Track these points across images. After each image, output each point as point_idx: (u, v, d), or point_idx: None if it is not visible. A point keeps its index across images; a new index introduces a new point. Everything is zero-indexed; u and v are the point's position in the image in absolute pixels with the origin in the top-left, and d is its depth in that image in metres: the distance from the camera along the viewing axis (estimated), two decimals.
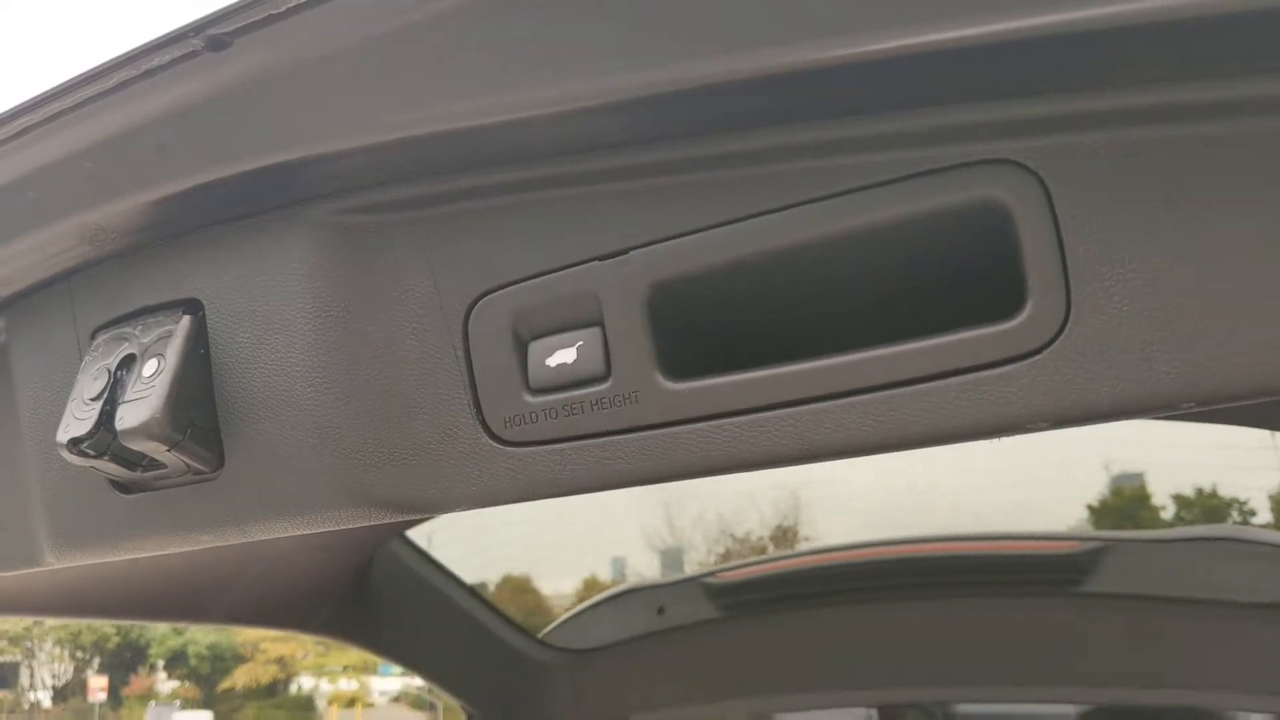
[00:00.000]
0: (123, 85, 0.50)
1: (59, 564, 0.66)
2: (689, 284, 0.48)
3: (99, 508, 0.62)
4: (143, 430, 0.54)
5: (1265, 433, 1.18)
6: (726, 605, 1.66)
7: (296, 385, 0.55)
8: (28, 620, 36.42)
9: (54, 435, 0.59)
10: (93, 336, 0.62)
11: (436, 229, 0.53)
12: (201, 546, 0.61)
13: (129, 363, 0.58)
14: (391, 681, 38.73)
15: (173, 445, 0.56)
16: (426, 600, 1.62)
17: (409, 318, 0.53)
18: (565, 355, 0.51)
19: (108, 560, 0.65)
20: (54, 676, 40.46)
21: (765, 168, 0.45)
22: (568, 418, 0.51)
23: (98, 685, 38.78)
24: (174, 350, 0.57)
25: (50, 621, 37.73)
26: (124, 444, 0.56)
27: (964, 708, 1.70)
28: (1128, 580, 1.42)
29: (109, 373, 0.58)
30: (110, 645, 39.80)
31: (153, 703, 37.37)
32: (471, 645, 1.68)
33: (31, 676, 40.31)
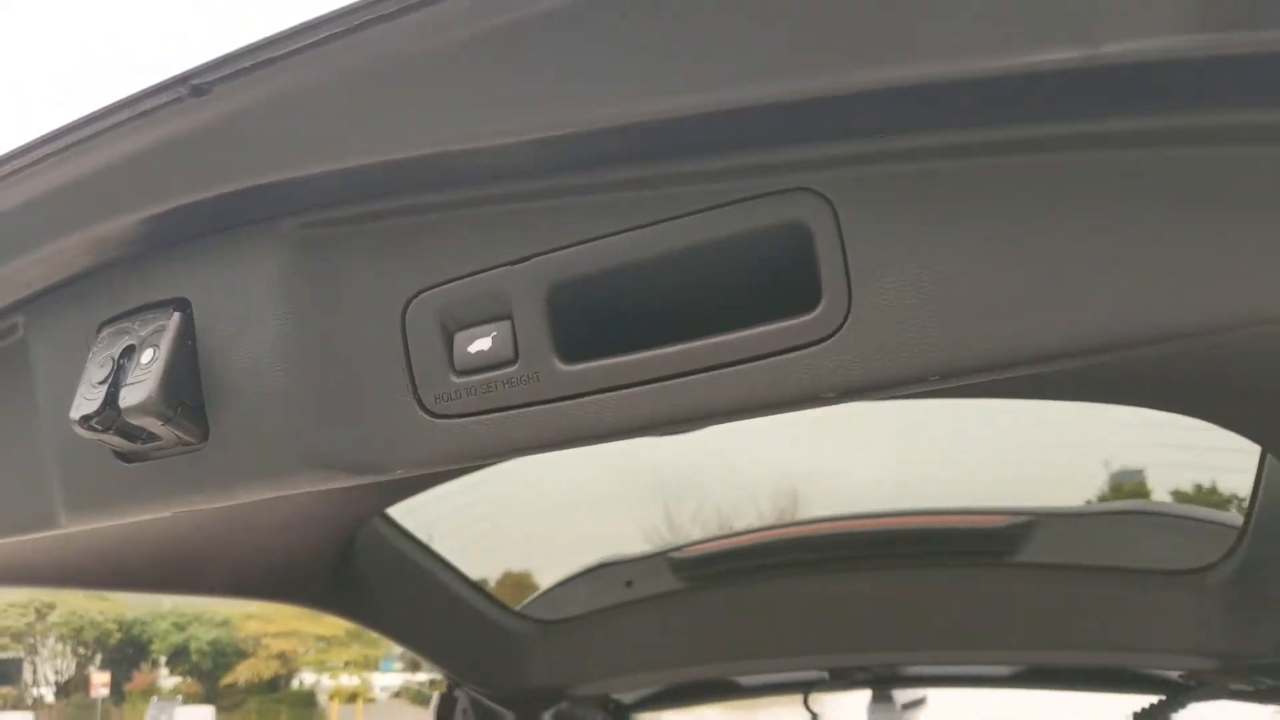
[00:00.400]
0: (122, 123, 0.60)
1: (71, 526, 0.76)
2: (580, 284, 0.59)
3: (105, 475, 0.73)
4: (141, 408, 0.65)
5: None
6: (689, 577, 1.76)
7: (267, 370, 0.66)
8: (30, 616, 36.44)
9: (67, 414, 0.69)
10: (98, 330, 0.72)
11: (380, 240, 0.63)
12: (192, 508, 0.72)
13: (129, 352, 0.68)
14: (393, 677, 38.72)
15: (166, 420, 0.66)
16: (409, 575, 1.72)
17: (358, 313, 0.64)
18: (483, 343, 0.61)
19: (114, 522, 0.76)
20: (57, 672, 40.46)
21: (633, 193, 0.56)
22: (485, 394, 0.61)
23: (100, 681, 38.79)
24: (166, 341, 0.67)
25: (53, 618, 37.74)
26: (126, 420, 0.66)
27: (909, 669, 1.81)
28: (1054, 551, 1.53)
29: (113, 361, 0.68)
30: (112, 641, 39.79)
31: (155, 698, 37.41)
32: (452, 616, 1.78)
33: (34, 672, 40.36)
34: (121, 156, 0.62)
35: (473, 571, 1.86)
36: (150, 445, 0.69)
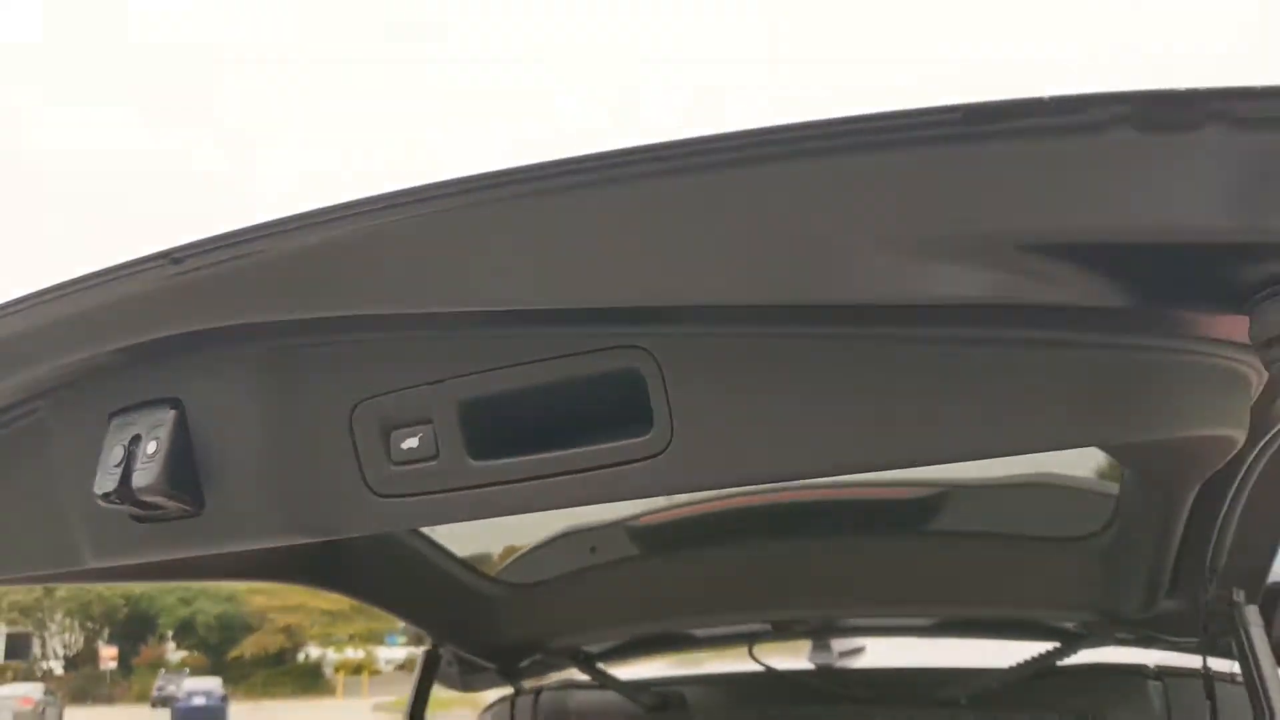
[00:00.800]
0: (119, 279, 0.78)
1: (97, 565, 0.94)
2: (484, 400, 0.76)
3: (122, 531, 0.89)
4: (149, 489, 0.81)
5: None
6: (646, 543, 1.94)
7: (247, 457, 0.83)
8: (38, 591, 36.73)
9: (88, 483, 0.85)
10: (109, 418, 0.88)
11: (330, 360, 0.80)
12: (192, 554, 0.89)
13: (136, 440, 0.84)
14: (397, 651, 39.07)
15: (169, 497, 0.83)
16: (392, 548, 1.82)
17: (315, 414, 0.82)
18: (412, 441, 0.78)
19: (129, 563, 0.93)
20: (65, 646, 40.78)
21: (521, 339, 0.74)
22: (415, 480, 0.78)
23: (108, 655, 39.16)
24: (165, 434, 0.83)
25: (60, 593, 38.06)
26: (138, 496, 0.82)
27: (841, 621, 2.01)
28: (964, 520, 1.71)
29: (124, 448, 0.84)
30: (120, 616, 40.07)
31: (162, 670, 37.86)
32: (431, 583, 1.90)
33: (43, 646, 40.76)
34: (120, 297, 0.80)
35: (477, 546, 2.01)
36: (158, 513, 0.86)
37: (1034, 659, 1.72)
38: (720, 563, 1.86)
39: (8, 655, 39.94)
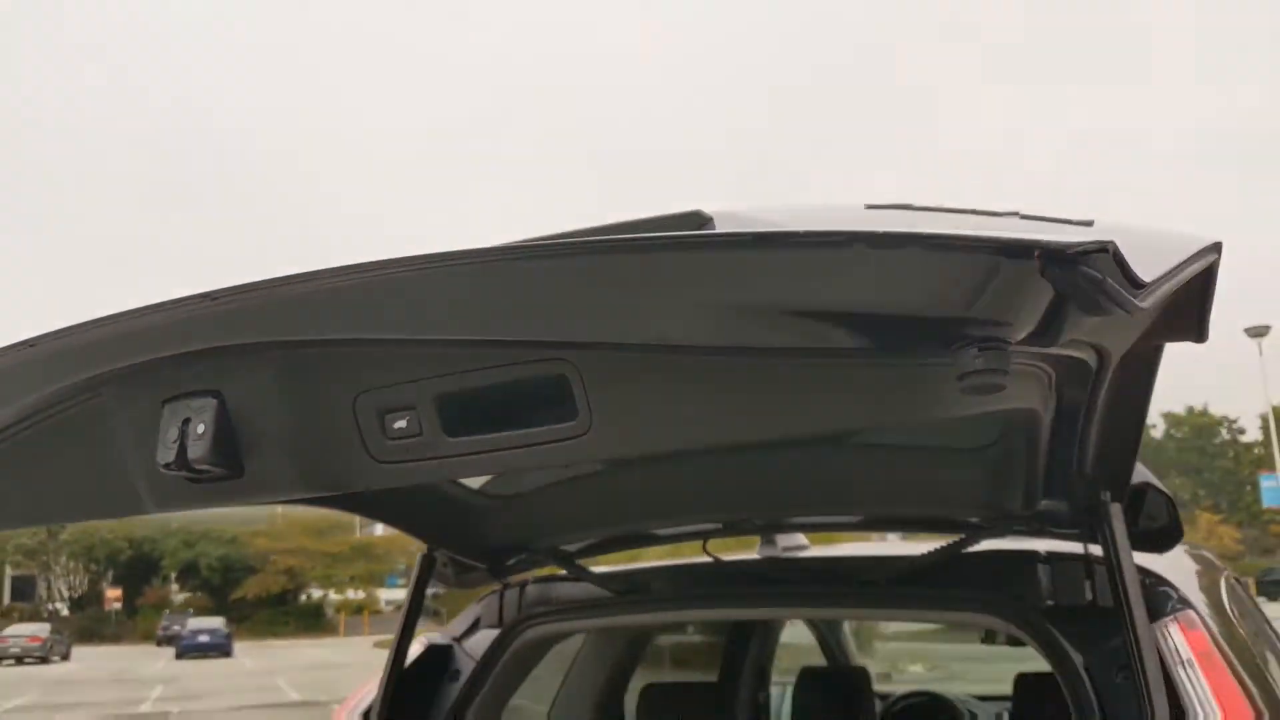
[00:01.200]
0: (165, 310, 0.97)
1: (154, 513, 1.18)
2: (455, 393, 0.99)
3: (178, 490, 1.12)
4: (201, 460, 1.04)
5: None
6: (614, 459, 2.18)
7: (276, 433, 1.06)
8: (42, 534, 36.90)
9: (147, 451, 1.03)
10: (163, 405, 1.04)
11: (340, 362, 1.02)
12: (234, 506, 1.14)
13: (187, 422, 1.05)
14: (398, 592, 39.35)
15: (216, 465, 1.05)
16: None
17: (326, 403, 1.05)
18: (402, 423, 0.98)
19: (184, 512, 1.18)
20: (70, 589, 41.22)
21: (481, 351, 0.96)
22: (405, 451, 1.02)
23: (113, 596, 39.66)
24: (209, 418, 1.01)
25: (64, 536, 38.22)
26: (192, 465, 1.05)
27: (783, 520, 2.26)
28: (885, 434, 1.94)
29: (178, 428, 1.05)
30: (123, 558, 40.38)
31: (167, 611, 38.44)
32: (427, 498, 2.00)
33: (49, 589, 41.24)
34: (163, 322, 1.01)
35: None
36: (207, 475, 1.09)
37: (943, 548, 1.94)
38: (677, 473, 2.10)
39: (13, 598, 40.49)
